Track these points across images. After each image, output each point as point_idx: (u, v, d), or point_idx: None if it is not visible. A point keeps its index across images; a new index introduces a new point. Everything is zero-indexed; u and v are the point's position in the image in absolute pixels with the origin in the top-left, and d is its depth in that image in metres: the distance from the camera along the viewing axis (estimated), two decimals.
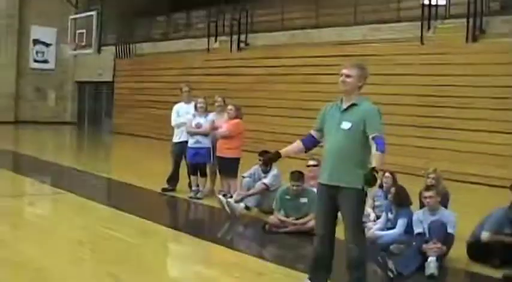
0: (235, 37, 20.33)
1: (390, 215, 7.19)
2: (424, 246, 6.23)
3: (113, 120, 26.21)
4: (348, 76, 4.94)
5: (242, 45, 20.26)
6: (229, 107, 9.87)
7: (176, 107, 10.61)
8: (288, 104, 17.50)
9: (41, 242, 6.72)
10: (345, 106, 4.98)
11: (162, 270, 6.09)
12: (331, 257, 5.17)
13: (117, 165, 16.34)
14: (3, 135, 23.59)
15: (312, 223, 7.59)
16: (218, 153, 9.72)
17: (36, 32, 28.02)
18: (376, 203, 8.06)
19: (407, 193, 7.24)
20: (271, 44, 19.17)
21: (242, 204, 8.71)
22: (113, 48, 26.29)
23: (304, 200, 7.79)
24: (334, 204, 4.99)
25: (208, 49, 21.23)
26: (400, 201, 7.09)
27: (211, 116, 10.03)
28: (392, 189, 7.31)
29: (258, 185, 8.84)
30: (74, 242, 6.77)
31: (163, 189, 10.43)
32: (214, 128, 9.74)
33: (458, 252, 6.61)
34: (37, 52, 28.31)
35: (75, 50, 22.62)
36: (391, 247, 6.84)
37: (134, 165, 14.49)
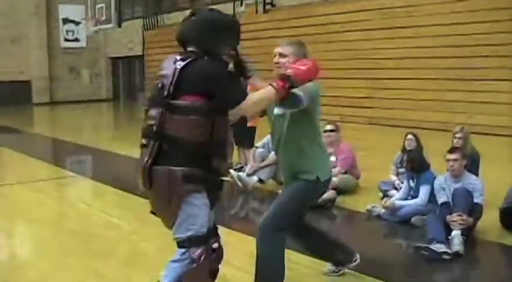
0: None
1: (412, 183, 6.41)
2: (448, 217, 5.45)
3: (147, 94, 25.77)
4: (281, 55, 4.06)
5: (268, 6, 19.39)
6: None
7: None
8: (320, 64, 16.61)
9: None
10: None
11: (155, 259, 5.48)
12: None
13: None
14: (40, 117, 23.57)
15: (326, 195, 6.90)
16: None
17: (64, 10, 27.60)
18: (400, 170, 7.26)
19: (423, 156, 6.45)
20: (298, 3, 18.25)
21: (255, 178, 8.05)
22: (141, 21, 25.80)
23: None
24: None
25: (234, 13, 20.44)
26: (418, 166, 6.30)
27: None
28: (404, 156, 6.52)
29: (272, 156, 8.15)
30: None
31: None
32: None
33: (489, 221, 5.83)
34: (67, 31, 27.96)
35: (96, 25, 22.11)
36: (413, 219, 6.09)
37: None
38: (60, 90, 28.17)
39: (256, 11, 19.62)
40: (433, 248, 5.06)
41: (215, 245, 3.49)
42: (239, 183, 7.98)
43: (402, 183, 6.82)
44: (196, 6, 23.24)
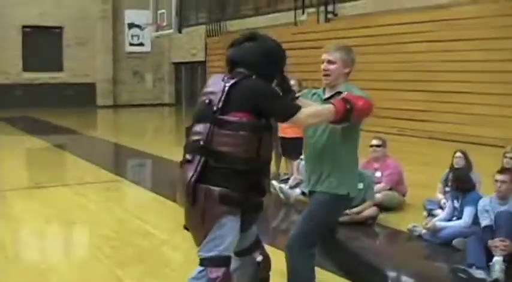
0: (322, 8, 19.25)
1: (457, 203, 6.07)
2: (490, 242, 5.11)
3: None
4: (330, 62, 3.90)
5: (330, 15, 19.14)
6: (305, 90, 9.03)
7: None
8: (378, 75, 16.28)
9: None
10: (327, 95, 3.95)
11: (180, 271, 5.35)
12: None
13: None
14: (102, 119, 24.02)
15: (368, 212, 6.70)
16: (280, 134, 8.90)
17: (130, 15, 28.06)
18: (447, 189, 6.91)
19: (469, 175, 6.11)
20: (359, 13, 17.94)
21: (298, 190, 7.82)
22: (204, 27, 25.97)
23: (359, 185, 6.78)
24: None
25: (295, 22, 20.31)
26: (463, 185, 5.96)
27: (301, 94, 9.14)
28: (450, 175, 6.19)
29: None
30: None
31: None
32: None
33: None
34: (132, 36, 28.44)
35: (157, 31, 22.36)
36: (454, 242, 5.75)
37: None
38: (123, 93, 28.65)
39: (318, 20, 19.39)
40: (471, 272, 4.74)
41: (259, 258, 3.65)
42: (281, 195, 7.79)
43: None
44: (259, 15, 23.26)
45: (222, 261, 3.33)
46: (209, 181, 3.27)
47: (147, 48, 28.81)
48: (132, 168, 12.12)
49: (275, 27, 21.16)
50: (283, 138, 8.90)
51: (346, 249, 4.37)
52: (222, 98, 3.32)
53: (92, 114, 24.98)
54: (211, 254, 3.31)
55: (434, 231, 5.94)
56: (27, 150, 14.08)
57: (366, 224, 6.67)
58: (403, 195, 7.52)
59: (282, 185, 7.90)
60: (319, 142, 3.89)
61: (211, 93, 3.40)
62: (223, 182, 3.26)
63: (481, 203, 5.58)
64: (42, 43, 26.66)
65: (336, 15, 19.02)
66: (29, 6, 26.13)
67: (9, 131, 17.59)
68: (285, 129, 8.75)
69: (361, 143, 7.71)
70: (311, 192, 4.06)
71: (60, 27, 27.30)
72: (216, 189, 3.25)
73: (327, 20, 19.15)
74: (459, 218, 5.97)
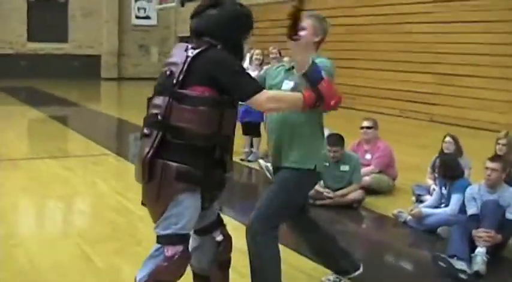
0: None
1: (444, 190, 5.85)
2: (473, 232, 4.89)
3: None
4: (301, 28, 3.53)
5: None
6: (286, 59, 8.86)
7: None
8: (381, 55, 15.98)
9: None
10: (293, 64, 3.63)
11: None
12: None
13: None
14: (104, 92, 23.85)
15: (353, 195, 6.50)
16: None
17: None
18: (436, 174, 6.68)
19: (458, 161, 5.88)
20: None
21: None
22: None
23: (345, 167, 6.60)
24: None
25: None
26: (450, 172, 5.73)
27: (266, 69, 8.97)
28: (437, 161, 5.96)
29: None
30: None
31: None
32: None
33: None
34: (138, 8, 28.12)
35: (160, 4, 22.06)
36: (439, 230, 5.55)
37: None
38: (129, 66, 28.41)
39: None
40: (452, 262, 4.53)
41: (219, 238, 3.44)
42: (267, 174, 7.59)
43: None
44: None
45: (179, 239, 3.13)
46: (167, 156, 3.08)
47: (153, 21, 28.48)
48: (125, 143, 11.94)
49: (280, 3, 20.87)
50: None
51: (318, 229, 4.18)
52: (183, 70, 3.11)
53: (95, 86, 24.76)
54: (167, 231, 3.13)
55: (419, 218, 5.73)
56: (23, 122, 13.90)
57: (351, 208, 6.47)
58: (393, 179, 7.31)
59: (268, 164, 7.68)
60: (280, 115, 3.66)
61: (173, 64, 3.18)
62: (181, 157, 3.07)
63: (468, 191, 5.35)
64: (47, 14, 26.39)
65: None
66: None
67: (10, 102, 17.44)
68: None
69: (353, 124, 7.58)
70: (276, 170, 3.84)
71: None
72: (174, 165, 3.05)
73: None
74: (447, 205, 5.74)
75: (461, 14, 13.91)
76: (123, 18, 27.96)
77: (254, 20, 3.40)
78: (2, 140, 10.49)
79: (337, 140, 6.55)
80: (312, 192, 6.56)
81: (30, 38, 26.42)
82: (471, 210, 5.21)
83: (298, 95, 3.19)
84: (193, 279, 3.59)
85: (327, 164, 6.60)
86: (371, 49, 16.38)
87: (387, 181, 7.18)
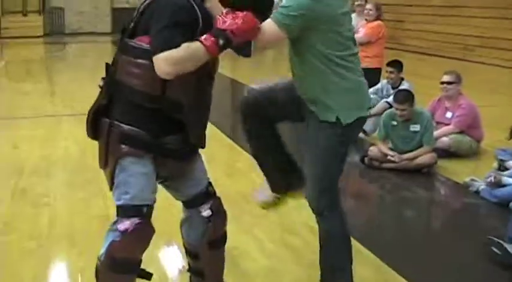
0: None
1: None
2: None
3: None
4: None
5: None
6: (368, 6, 8.18)
7: None
8: (497, 3, 14.60)
9: None
10: None
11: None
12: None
13: None
14: None
15: (423, 159, 5.84)
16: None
17: None
18: None
19: None
20: None
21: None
22: None
23: (415, 127, 5.89)
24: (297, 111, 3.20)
25: None
26: None
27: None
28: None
29: (380, 104, 7.06)
30: None
31: None
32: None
33: None
34: None
35: None
36: (511, 204, 4.77)
37: None
38: None
39: None
40: (508, 248, 3.83)
41: (206, 213, 3.02)
42: None
43: None
44: None
45: (133, 211, 2.74)
46: (115, 116, 2.73)
47: None
48: None
49: None
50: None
51: (276, 136, 3.40)
52: (135, 19, 2.74)
53: None
54: (120, 202, 2.77)
55: (493, 188, 4.98)
56: None
57: (421, 173, 5.78)
58: (478, 142, 6.48)
59: None
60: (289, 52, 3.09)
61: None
62: (130, 119, 2.70)
63: None
64: None
65: None
66: None
67: None
68: (361, 58, 7.83)
69: (434, 78, 6.77)
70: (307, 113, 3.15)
71: None
72: (121, 125, 2.71)
73: None
74: None
75: None
76: None
77: None
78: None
79: (405, 96, 5.86)
80: (376, 153, 6.00)
81: None
82: None
83: (196, 45, 2.59)
84: (185, 253, 3.22)
85: (394, 123, 5.97)
86: None
87: (469, 143, 6.37)
